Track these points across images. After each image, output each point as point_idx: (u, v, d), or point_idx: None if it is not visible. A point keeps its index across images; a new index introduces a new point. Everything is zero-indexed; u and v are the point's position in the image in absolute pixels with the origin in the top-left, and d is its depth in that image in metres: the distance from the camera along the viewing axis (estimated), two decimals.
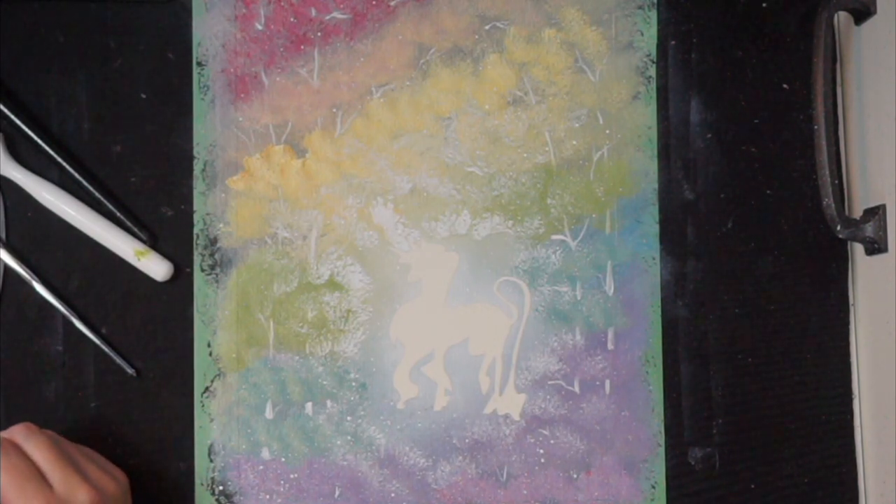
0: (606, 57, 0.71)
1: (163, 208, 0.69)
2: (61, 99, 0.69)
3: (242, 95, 0.70)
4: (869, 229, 0.66)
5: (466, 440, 0.69)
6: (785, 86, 0.71)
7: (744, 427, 0.70)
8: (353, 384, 0.69)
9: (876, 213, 0.66)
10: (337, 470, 0.69)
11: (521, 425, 0.69)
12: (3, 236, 0.68)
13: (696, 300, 0.70)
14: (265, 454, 0.69)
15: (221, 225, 0.69)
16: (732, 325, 0.70)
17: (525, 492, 0.69)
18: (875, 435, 0.69)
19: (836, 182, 0.66)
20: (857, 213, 0.69)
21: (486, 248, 0.70)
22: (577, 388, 0.69)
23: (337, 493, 0.69)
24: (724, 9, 0.72)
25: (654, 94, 0.71)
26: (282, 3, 0.70)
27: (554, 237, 0.70)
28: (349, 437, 0.69)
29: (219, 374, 0.69)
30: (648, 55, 0.71)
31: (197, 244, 0.69)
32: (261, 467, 0.68)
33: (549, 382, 0.70)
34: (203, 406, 0.68)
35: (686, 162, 0.71)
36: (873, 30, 0.68)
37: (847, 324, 0.71)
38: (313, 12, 0.70)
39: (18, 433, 0.60)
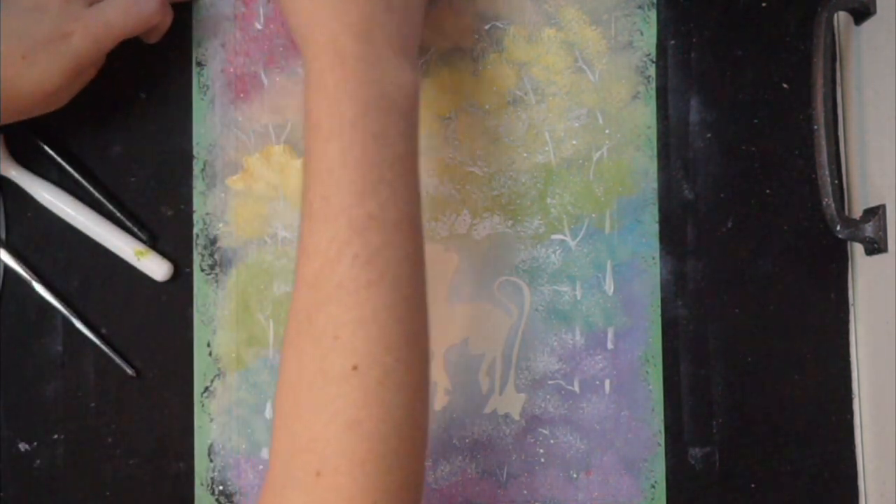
0: (606, 57, 0.71)
1: (163, 208, 0.69)
2: None
3: (242, 95, 0.70)
4: (869, 229, 0.66)
5: (466, 440, 0.69)
6: (785, 85, 0.71)
7: (744, 427, 0.70)
8: None
9: (876, 213, 0.66)
10: None
11: (521, 425, 0.69)
12: (3, 236, 0.68)
13: (696, 300, 0.70)
14: (265, 454, 0.69)
15: (221, 225, 0.69)
16: (732, 325, 0.70)
17: (525, 492, 0.69)
18: (875, 435, 0.69)
19: (836, 182, 0.66)
20: (857, 213, 0.69)
21: (486, 248, 0.70)
22: (577, 388, 0.69)
23: None
24: (724, 8, 0.72)
25: (653, 94, 0.71)
26: None
27: (554, 237, 0.70)
28: None
29: (219, 374, 0.69)
30: (648, 55, 0.71)
31: (197, 244, 0.69)
32: (261, 467, 0.68)
33: (549, 382, 0.70)
34: (203, 406, 0.68)
35: (686, 162, 0.71)
36: (873, 30, 0.68)
37: (847, 324, 0.71)
38: None
39: None
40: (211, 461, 0.68)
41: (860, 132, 0.70)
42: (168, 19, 0.65)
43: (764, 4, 0.72)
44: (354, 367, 0.51)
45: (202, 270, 0.69)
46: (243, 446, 0.68)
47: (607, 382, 0.70)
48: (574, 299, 0.70)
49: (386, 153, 0.53)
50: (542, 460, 0.69)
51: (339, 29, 0.54)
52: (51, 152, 0.68)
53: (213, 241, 0.69)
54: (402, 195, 0.54)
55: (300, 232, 0.54)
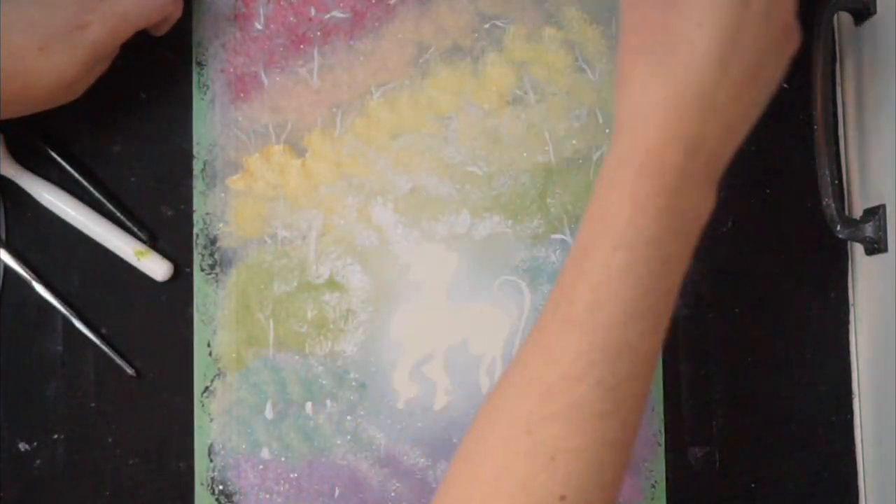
0: (606, 56, 0.71)
1: (163, 208, 0.69)
2: None
3: (242, 95, 0.70)
4: (869, 229, 0.66)
5: None
6: (785, 85, 0.71)
7: (744, 427, 0.70)
8: (353, 384, 0.69)
9: (876, 213, 0.66)
10: (337, 470, 0.69)
11: None
12: (3, 236, 0.68)
13: (696, 300, 0.70)
14: (265, 454, 0.69)
15: (221, 224, 0.69)
16: (732, 325, 0.70)
17: None
18: (875, 435, 0.69)
19: (836, 182, 0.66)
20: (857, 213, 0.69)
21: (486, 248, 0.70)
22: None
23: (337, 492, 0.69)
24: None
25: None
26: (281, 3, 0.70)
27: (554, 236, 0.70)
28: (349, 437, 0.69)
29: (219, 374, 0.69)
30: None
31: (197, 244, 0.69)
32: (261, 467, 0.69)
33: None
34: (203, 406, 0.69)
35: None
36: (873, 30, 0.68)
37: (847, 324, 0.70)
38: (313, 11, 0.70)
39: None
40: (211, 461, 0.68)
41: (860, 132, 0.69)
42: (178, 10, 0.65)
43: None
44: (562, 498, 0.47)
45: (202, 270, 0.69)
46: (243, 446, 0.69)
47: None
48: None
49: (664, 281, 0.49)
50: None
51: (671, 138, 0.48)
52: (51, 152, 0.68)
53: (213, 241, 0.69)
54: (660, 328, 0.50)
55: (546, 322, 0.50)
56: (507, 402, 0.49)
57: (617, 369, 0.48)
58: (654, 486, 0.69)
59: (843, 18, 0.71)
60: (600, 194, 0.50)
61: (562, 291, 0.49)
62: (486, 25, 0.71)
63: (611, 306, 0.48)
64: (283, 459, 0.69)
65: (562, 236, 0.70)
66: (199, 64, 0.70)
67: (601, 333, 0.47)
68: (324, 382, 0.69)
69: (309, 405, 0.69)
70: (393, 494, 0.69)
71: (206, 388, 0.69)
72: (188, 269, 0.69)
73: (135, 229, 0.68)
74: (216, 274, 0.69)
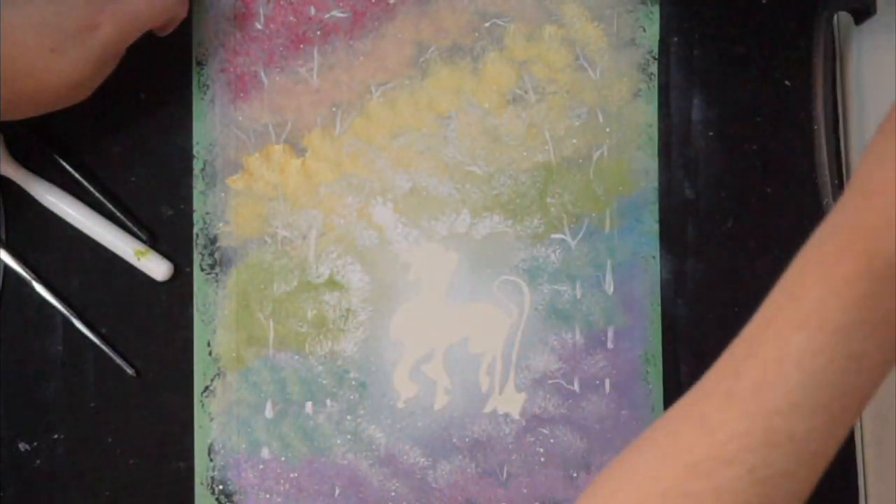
0: (607, 54, 0.70)
1: (163, 208, 0.69)
2: None
3: (242, 95, 0.70)
4: None
5: (466, 439, 0.69)
6: (787, 83, 0.71)
7: None
8: (353, 383, 0.69)
9: None
10: (337, 469, 0.69)
11: (520, 424, 0.69)
12: (3, 236, 0.68)
13: (696, 299, 0.70)
14: (265, 453, 0.69)
15: (221, 224, 0.69)
16: (732, 325, 0.69)
17: (525, 491, 0.69)
18: (875, 435, 0.68)
19: (836, 182, 0.66)
20: None
21: (486, 247, 0.70)
22: (576, 387, 0.69)
23: (337, 492, 0.69)
24: (727, 4, 0.71)
25: (655, 92, 0.70)
26: (281, 2, 0.70)
27: (553, 236, 0.70)
28: (349, 437, 0.69)
29: (219, 374, 0.69)
30: (650, 52, 0.71)
31: (196, 244, 0.69)
32: (260, 466, 0.69)
33: (549, 381, 0.69)
34: (203, 405, 0.69)
35: (687, 160, 0.70)
36: (873, 30, 0.67)
37: None
38: (312, 11, 0.70)
39: None
40: (211, 460, 0.69)
41: (860, 132, 0.69)
42: (184, 11, 0.65)
43: (763, 0, 0.71)
44: None
45: (202, 270, 0.69)
46: (243, 446, 0.69)
47: (607, 382, 0.69)
48: (574, 299, 0.70)
49: (849, 380, 0.44)
50: (542, 460, 0.69)
51: (891, 222, 0.42)
52: (51, 152, 0.68)
53: (213, 241, 0.69)
54: (836, 430, 0.45)
55: (706, 391, 0.46)
56: (646, 465, 0.46)
57: (773, 461, 0.43)
58: None
59: (843, 18, 0.71)
60: (797, 264, 0.45)
61: (730, 362, 0.46)
62: (487, 24, 0.70)
63: (779, 390, 0.43)
64: (283, 459, 0.69)
65: (561, 236, 0.70)
66: (199, 64, 0.70)
67: (763, 418, 0.43)
68: (324, 382, 0.69)
69: (309, 405, 0.69)
70: (393, 494, 0.69)
71: (206, 388, 0.69)
72: (188, 269, 0.69)
73: (135, 229, 0.68)
74: (216, 274, 0.69)
